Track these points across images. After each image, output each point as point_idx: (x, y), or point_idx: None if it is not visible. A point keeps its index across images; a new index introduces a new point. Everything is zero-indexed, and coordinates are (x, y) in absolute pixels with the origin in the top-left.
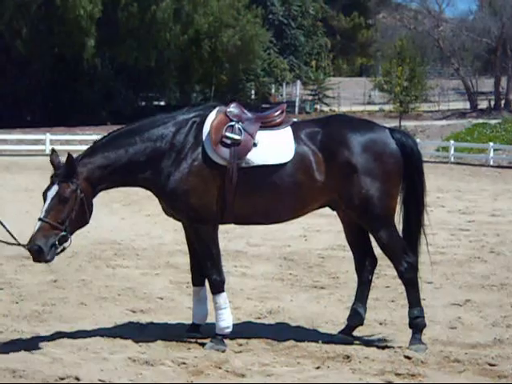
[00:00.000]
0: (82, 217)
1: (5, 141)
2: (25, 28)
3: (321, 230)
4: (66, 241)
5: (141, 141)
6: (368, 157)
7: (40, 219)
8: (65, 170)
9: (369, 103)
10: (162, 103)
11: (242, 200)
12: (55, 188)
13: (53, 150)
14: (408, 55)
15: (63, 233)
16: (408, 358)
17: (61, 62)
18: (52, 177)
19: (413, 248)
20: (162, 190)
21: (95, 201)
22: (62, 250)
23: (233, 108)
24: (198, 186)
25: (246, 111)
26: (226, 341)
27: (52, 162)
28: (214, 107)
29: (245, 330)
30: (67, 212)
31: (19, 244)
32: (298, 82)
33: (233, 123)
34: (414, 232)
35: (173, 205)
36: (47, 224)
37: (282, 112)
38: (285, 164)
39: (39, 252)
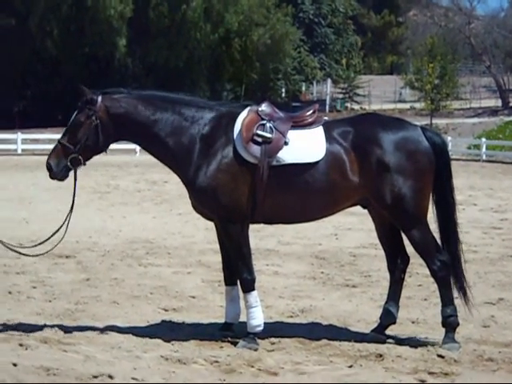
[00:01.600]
0: (96, 143)
1: (36, 140)
2: (56, 29)
3: (352, 229)
4: (79, 163)
5: (172, 111)
6: (400, 155)
7: (58, 140)
8: (85, 98)
9: (400, 101)
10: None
11: (272, 199)
12: (75, 113)
13: (80, 85)
14: (439, 53)
15: (74, 154)
16: (441, 356)
17: (92, 62)
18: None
19: (448, 247)
20: (191, 184)
21: (127, 199)
22: (75, 172)
23: (264, 107)
24: (228, 183)
25: (277, 110)
26: (259, 339)
27: (79, 90)
28: (247, 106)
29: (277, 329)
30: (80, 135)
31: (20, 253)
32: (329, 81)
33: (264, 122)
34: (449, 230)
35: (201, 201)
36: (61, 145)
37: (313, 112)
38: (316, 163)
39: (50, 171)
